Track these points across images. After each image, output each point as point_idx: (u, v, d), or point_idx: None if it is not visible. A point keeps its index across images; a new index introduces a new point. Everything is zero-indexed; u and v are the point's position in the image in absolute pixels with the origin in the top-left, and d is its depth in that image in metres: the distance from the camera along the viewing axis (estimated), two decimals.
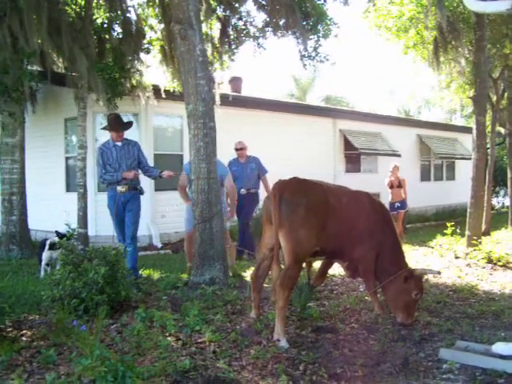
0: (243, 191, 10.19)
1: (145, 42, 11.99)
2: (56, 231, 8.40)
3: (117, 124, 7.99)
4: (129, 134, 8.28)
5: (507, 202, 20.53)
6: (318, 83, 39.23)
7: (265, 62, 72.79)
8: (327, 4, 10.93)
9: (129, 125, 8.25)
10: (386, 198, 13.69)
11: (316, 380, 4.19)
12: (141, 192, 8.05)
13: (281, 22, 10.90)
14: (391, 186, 13.48)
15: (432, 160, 22.64)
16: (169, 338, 5.06)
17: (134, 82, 12.05)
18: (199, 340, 5.04)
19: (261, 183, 10.73)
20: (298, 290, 6.10)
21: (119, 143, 7.98)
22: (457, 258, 9.79)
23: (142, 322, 5.44)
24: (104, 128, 8.33)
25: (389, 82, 67.29)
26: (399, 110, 41.00)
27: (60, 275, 6.08)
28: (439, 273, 6.33)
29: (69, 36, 10.02)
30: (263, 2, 10.86)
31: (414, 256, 10.18)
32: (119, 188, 7.83)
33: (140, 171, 8.11)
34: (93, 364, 3.88)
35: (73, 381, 3.91)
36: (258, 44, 11.74)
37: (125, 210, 7.88)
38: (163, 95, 12.50)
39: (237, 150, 10.59)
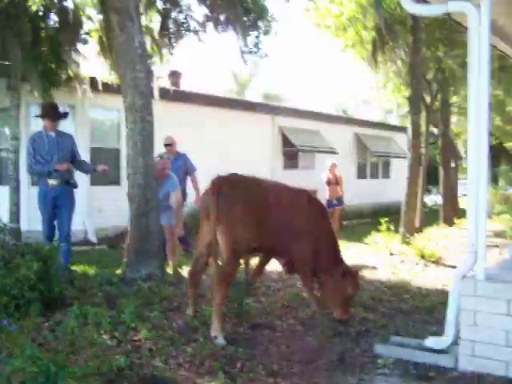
0: None
1: (82, 32, 11.70)
2: None
3: (53, 112, 7.56)
4: (65, 126, 8.03)
5: (439, 200, 21.13)
6: (258, 80, 39.39)
7: (204, 57, 72.47)
8: (268, 0, 10.95)
9: (65, 115, 7.84)
10: (323, 195, 13.84)
11: (253, 377, 4.19)
12: (74, 185, 7.61)
13: (222, 17, 10.84)
14: (329, 183, 13.62)
15: (368, 158, 23.05)
16: (104, 336, 4.94)
17: (70, 73, 11.74)
18: (135, 338, 4.94)
19: (188, 181, 10.35)
20: (235, 286, 6.08)
21: (53, 133, 7.49)
22: (391, 254, 9.99)
23: (75, 319, 5.29)
24: (38, 116, 7.87)
25: (327, 80, 68.33)
26: (337, 109, 41.60)
27: None
28: (375, 268, 6.44)
29: (1, 23, 9.67)
30: None
31: (351, 253, 10.32)
32: (51, 181, 7.33)
33: (73, 166, 7.72)
34: (23, 365, 3.75)
35: (2, 383, 3.77)
36: (199, 38, 11.66)
37: (57, 206, 7.42)
38: (100, 87, 12.23)
39: (166, 145, 10.04)
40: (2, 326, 4.96)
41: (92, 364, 4.14)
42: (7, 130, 12.21)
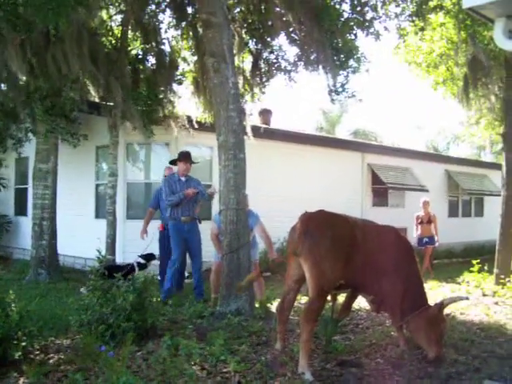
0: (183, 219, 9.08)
1: (178, 73, 12.21)
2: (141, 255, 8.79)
3: (189, 158, 9.05)
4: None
5: None
6: (347, 117, 39.23)
7: (294, 95, 73.26)
8: (358, 39, 10.98)
9: (195, 162, 9.42)
10: (412, 233, 13.63)
11: None
12: (199, 220, 9.11)
13: (312, 57, 10.99)
14: (421, 222, 13.42)
15: (460, 196, 22.43)
16: (194, 367, 5.10)
17: (166, 111, 12.23)
18: (224, 370, 5.07)
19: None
20: (323, 323, 6.09)
21: (183, 178, 8.86)
22: (484, 295, 9.67)
23: (167, 349, 5.49)
24: (173, 161, 9.43)
25: (417, 117, 67.31)
26: (427, 146, 40.84)
27: (88, 300, 6.17)
28: (467, 298, 6.27)
29: (105, 66, 10.29)
30: (295, 37, 11.00)
31: (441, 292, 10.07)
32: (183, 218, 8.73)
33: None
34: None
35: None
36: (289, 77, 11.85)
37: (187, 239, 8.82)
38: (195, 126, 12.60)
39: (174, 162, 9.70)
40: (99, 352, 5.22)
41: None
42: (105, 166, 12.84)
